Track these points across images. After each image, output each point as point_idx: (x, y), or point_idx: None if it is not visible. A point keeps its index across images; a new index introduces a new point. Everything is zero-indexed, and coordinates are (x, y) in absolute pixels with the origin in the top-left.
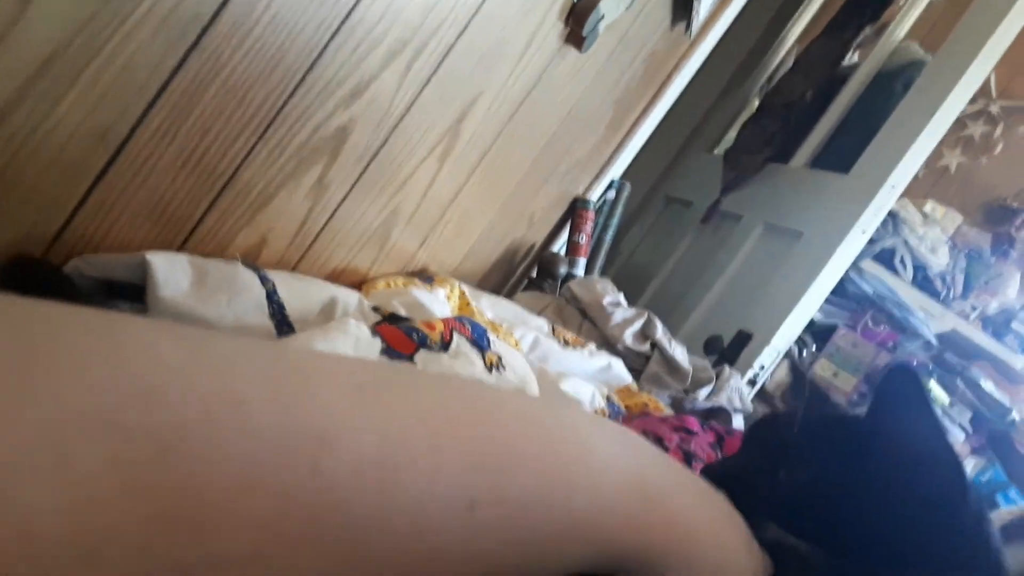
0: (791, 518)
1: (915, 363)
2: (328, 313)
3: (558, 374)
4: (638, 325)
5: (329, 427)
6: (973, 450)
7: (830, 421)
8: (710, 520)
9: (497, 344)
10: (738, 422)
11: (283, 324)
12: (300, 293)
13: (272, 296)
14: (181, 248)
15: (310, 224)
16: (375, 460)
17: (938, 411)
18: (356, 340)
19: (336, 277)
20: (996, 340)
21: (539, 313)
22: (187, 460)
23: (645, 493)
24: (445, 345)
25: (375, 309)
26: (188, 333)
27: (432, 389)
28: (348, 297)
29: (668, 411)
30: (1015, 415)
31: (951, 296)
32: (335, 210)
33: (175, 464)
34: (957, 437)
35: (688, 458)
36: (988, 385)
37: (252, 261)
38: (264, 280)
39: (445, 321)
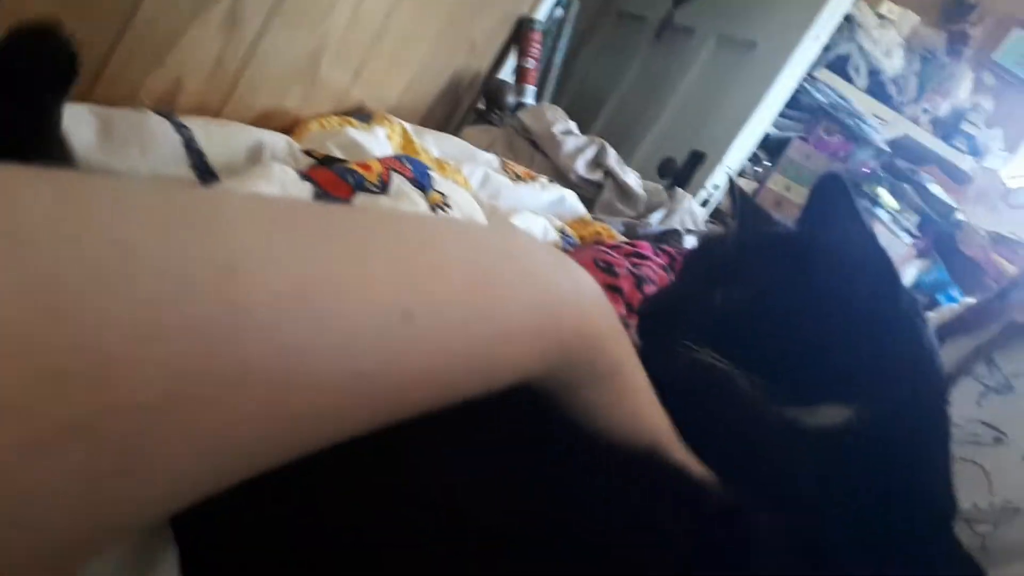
0: (725, 340)
1: (867, 171)
2: (254, 159)
3: (510, 210)
4: (590, 153)
5: (239, 258)
6: (919, 253)
7: (764, 239)
8: (627, 341)
9: (441, 183)
10: (689, 242)
11: (205, 174)
12: (222, 140)
13: (191, 145)
14: (88, 99)
15: (227, 62)
16: (294, 286)
17: (867, 217)
18: (282, 185)
19: (265, 121)
20: (945, 142)
21: (488, 148)
22: (74, 313)
23: (578, 307)
24: (384, 186)
25: (307, 153)
26: (57, 176)
27: (353, 213)
28: (276, 141)
29: (621, 238)
30: (959, 216)
31: (904, 100)
32: (253, 45)
33: (61, 319)
34: (904, 241)
35: (639, 282)
36: (935, 188)
37: (168, 108)
38: (180, 128)
39: (382, 161)
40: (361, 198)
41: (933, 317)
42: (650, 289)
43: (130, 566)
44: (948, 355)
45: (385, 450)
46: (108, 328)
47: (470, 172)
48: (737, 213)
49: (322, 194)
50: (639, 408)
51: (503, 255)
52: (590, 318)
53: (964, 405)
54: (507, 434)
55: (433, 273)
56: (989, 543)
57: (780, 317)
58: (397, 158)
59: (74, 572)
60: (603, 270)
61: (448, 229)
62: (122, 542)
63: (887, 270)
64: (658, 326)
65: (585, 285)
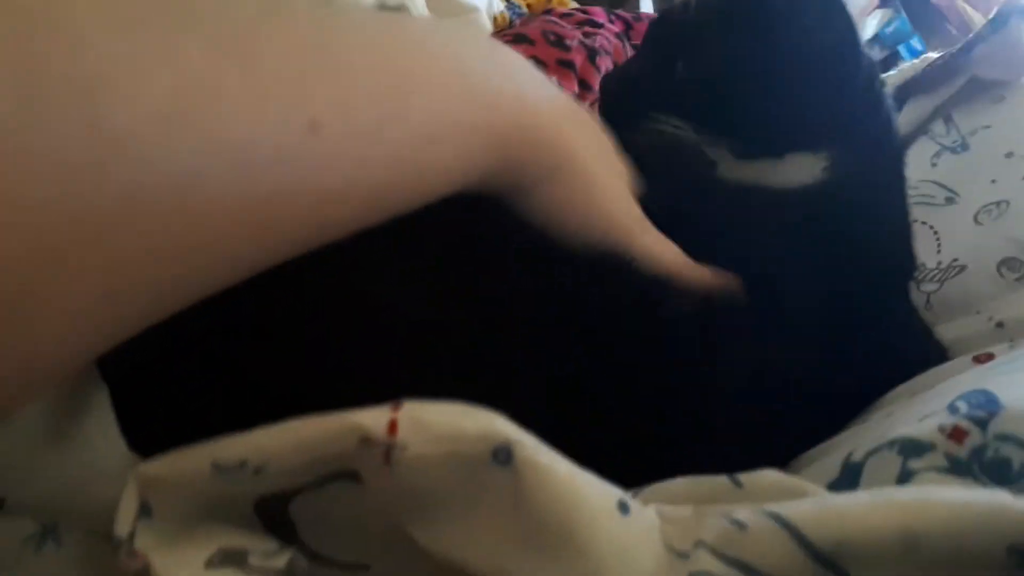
0: (690, 108)
1: None
2: None
3: None
4: None
5: (96, 74)
6: (881, 2)
7: (724, 4)
8: (579, 128)
9: None
10: (646, 6)
11: None
12: None
13: None
14: None
15: None
16: (170, 100)
17: None
18: None
19: None
20: None
21: None
22: None
23: (514, 96)
24: None
25: None
26: None
27: (237, 12)
28: None
29: (573, 4)
30: None
31: None
32: None
33: None
34: None
35: (592, 55)
36: None
37: None
38: None
39: None
40: None
41: (893, 76)
42: (604, 61)
43: (60, 412)
44: (907, 116)
45: (318, 265)
46: None
47: None
48: None
49: None
50: (597, 199)
51: (418, 45)
52: (530, 110)
53: (918, 166)
54: (445, 243)
55: (340, 72)
56: (933, 300)
57: (743, 78)
58: None
59: None
60: (553, 44)
61: (354, 20)
62: (46, 392)
63: (849, 28)
64: (620, 103)
65: (521, 74)
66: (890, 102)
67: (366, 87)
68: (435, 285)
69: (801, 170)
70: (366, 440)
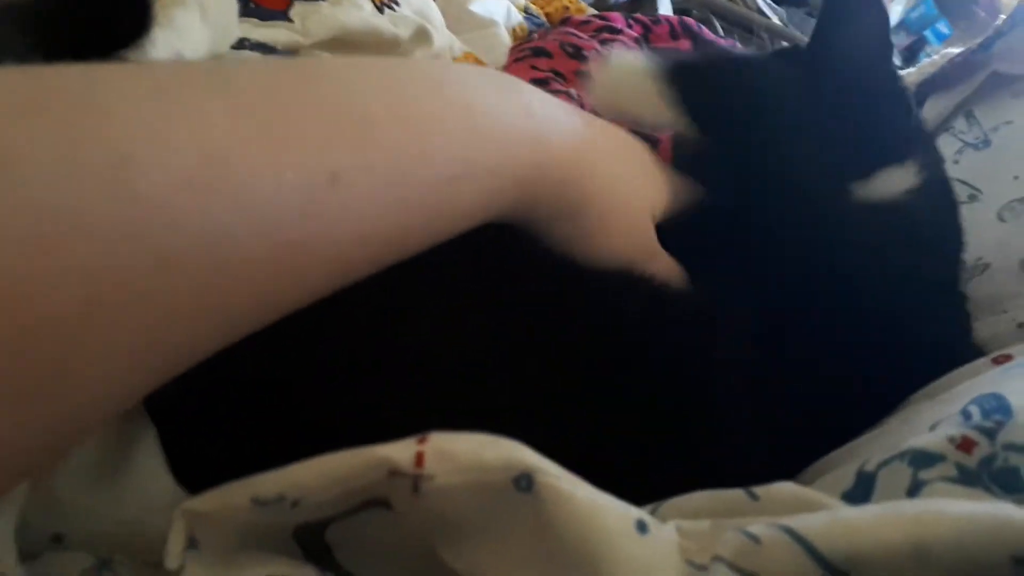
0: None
1: None
2: None
3: None
4: None
5: (128, 144)
6: None
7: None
8: (600, 158)
9: None
10: (664, 7)
11: None
12: None
13: None
14: None
15: None
16: (198, 164)
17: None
18: (201, 7)
19: None
20: None
21: None
22: None
23: (532, 137)
24: None
25: None
26: None
27: (257, 75)
28: None
29: (591, 10)
30: None
31: None
32: None
33: None
34: None
35: None
36: None
37: None
38: None
39: None
40: (298, 8)
41: (912, 73)
42: None
43: (111, 451)
44: (929, 113)
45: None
46: (2, 245)
47: None
48: None
49: (254, 9)
50: (610, 235)
51: (435, 90)
52: (549, 149)
53: None
54: (470, 274)
55: (357, 124)
56: None
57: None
58: None
59: (24, 480)
60: (572, 56)
61: (367, 70)
62: (95, 435)
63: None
64: None
65: (541, 109)
66: (913, 103)
67: (385, 136)
68: (457, 311)
69: (896, 180)
70: (395, 472)
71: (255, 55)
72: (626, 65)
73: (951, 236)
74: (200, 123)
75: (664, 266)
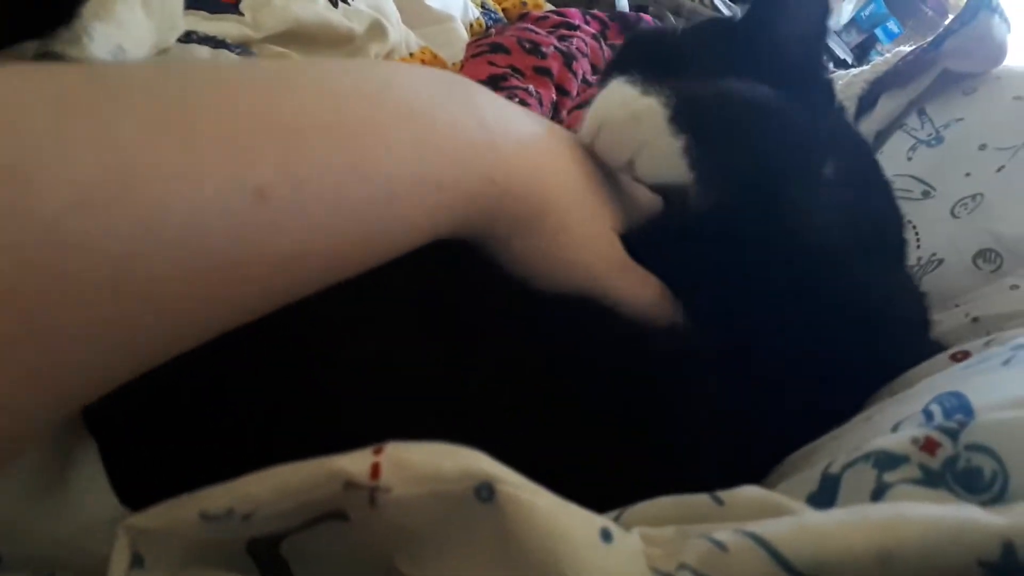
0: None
1: None
2: None
3: None
4: None
5: (20, 157)
6: None
7: (706, 24)
8: (559, 167)
9: None
10: (622, 4)
11: None
12: None
13: None
14: None
15: None
16: (101, 182)
17: None
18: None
19: None
20: None
21: None
22: None
23: (485, 149)
24: None
25: None
26: None
27: (175, 81)
28: None
29: (548, 6)
30: None
31: None
32: None
33: None
34: None
35: (568, 60)
36: None
37: None
38: None
39: None
40: (250, 0)
41: (866, 71)
42: (581, 65)
43: (50, 468)
44: (882, 110)
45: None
46: None
47: None
48: None
49: (205, 2)
50: (573, 247)
51: (377, 103)
52: (503, 161)
53: (894, 160)
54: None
55: (287, 137)
56: None
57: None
58: None
59: None
60: (529, 52)
61: (299, 75)
62: (32, 448)
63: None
64: None
65: (494, 117)
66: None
67: (317, 149)
68: (411, 328)
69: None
70: (350, 485)
71: (203, 49)
72: (630, 103)
73: (892, 227)
74: (105, 134)
75: (635, 278)
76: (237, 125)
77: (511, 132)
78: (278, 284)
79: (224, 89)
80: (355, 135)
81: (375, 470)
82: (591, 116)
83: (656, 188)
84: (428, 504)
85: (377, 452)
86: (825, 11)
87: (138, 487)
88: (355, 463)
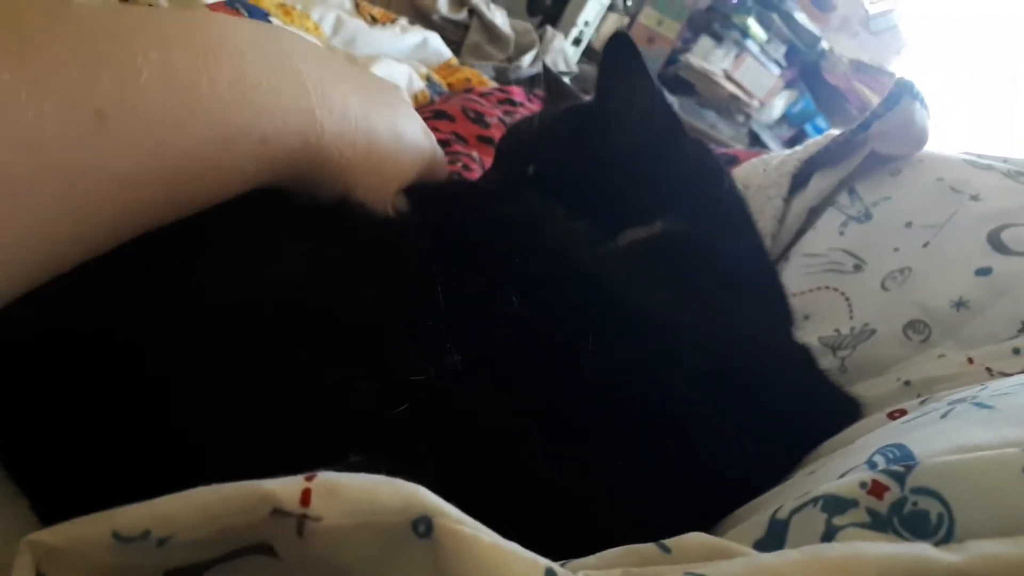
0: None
1: (735, 1)
2: None
3: (368, 57)
4: None
5: None
6: (787, 84)
7: (563, 113)
8: (372, 111)
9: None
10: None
11: None
12: None
13: None
14: None
15: None
16: None
17: (651, 74)
18: None
19: None
20: None
21: None
22: None
23: (304, 113)
24: None
25: None
26: None
27: (23, 8)
28: None
29: (493, 84)
30: (824, 45)
31: None
32: None
33: None
34: (773, 72)
35: None
36: (801, 17)
37: None
38: None
39: (211, 7)
40: None
41: (799, 151)
42: None
43: None
44: (815, 187)
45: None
46: None
47: (320, 16)
48: (547, 94)
49: None
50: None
51: (209, 54)
52: (319, 121)
53: (827, 235)
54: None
55: (126, 68)
56: (848, 363)
57: (581, 174)
58: (229, 3)
59: None
60: (473, 120)
61: (150, 23)
62: None
63: (671, 120)
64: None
65: (320, 89)
66: (725, 171)
67: (150, 85)
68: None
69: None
70: (278, 511)
71: None
72: None
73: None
74: None
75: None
76: (79, 51)
77: (338, 101)
78: (130, 201)
79: (73, 19)
80: (193, 80)
81: (305, 497)
82: None
83: None
84: (361, 537)
85: (309, 479)
86: (650, 86)
87: (53, 497)
88: (285, 488)
